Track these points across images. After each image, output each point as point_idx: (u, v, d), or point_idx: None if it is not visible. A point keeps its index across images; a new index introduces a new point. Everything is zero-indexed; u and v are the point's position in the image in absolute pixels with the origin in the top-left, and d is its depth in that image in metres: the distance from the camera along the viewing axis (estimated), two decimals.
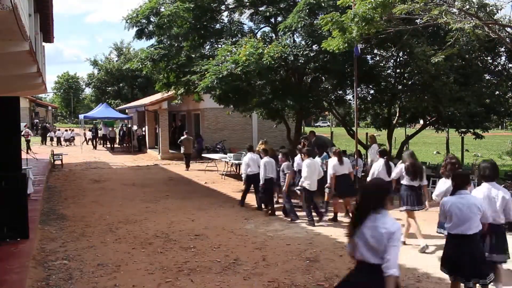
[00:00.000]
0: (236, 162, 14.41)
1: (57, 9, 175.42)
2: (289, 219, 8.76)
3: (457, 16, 8.01)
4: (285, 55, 11.12)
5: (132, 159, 22.10)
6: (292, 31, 11.70)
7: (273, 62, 10.61)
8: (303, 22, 10.98)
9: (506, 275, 5.70)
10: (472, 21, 7.80)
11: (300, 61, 11.47)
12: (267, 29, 14.52)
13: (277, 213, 9.36)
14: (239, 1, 14.28)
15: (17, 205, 6.62)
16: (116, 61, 53.35)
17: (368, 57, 13.16)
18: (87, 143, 30.30)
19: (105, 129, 30.21)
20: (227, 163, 15.54)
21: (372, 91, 14.42)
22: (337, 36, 8.72)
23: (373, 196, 3.25)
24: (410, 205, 7.08)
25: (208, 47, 14.36)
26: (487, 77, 13.07)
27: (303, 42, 12.01)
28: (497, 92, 12.68)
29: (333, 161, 8.77)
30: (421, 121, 16.74)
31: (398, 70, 13.52)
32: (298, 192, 8.87)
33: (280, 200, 9.93)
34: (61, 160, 18.30)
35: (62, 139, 31.39)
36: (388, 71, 13.71)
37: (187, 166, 17.70)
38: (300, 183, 8.66)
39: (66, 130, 33.04)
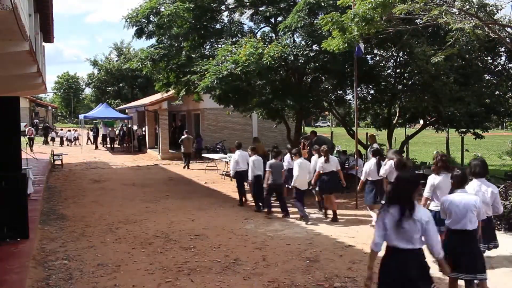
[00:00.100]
0: None
1: (57, 9, 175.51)
2: (283, 216, 9.02)
3: (457, 16, 8.00)
4: (285, 55, 11.12)
5: (132, 159, 22.11)
6: (292, 31, 11.70)
7: (273, 62, 10.61)
8: (302, 22, 10.98)
9: (505, 274, 5.72)
10: (472, 21, 7.80)
11: (300, 61, 11.47)
12: (267, 29, 14.54)
13: (275, 213, 9.38)
14: (239, 1, 14.28)
15: (17, 205, 6.62)
16: (116, 61, 53.36)
17: (368, 57, 13.15)
18: (92, 143, 30.34)
19: (105, 129, 30.23)
20: (227, 163, 15.52)
21: (372, 91, 14.42)
22: (337, 36, 8.72)
23: (406, 188, 3.52)
24: None
25: (208, 47, 14.36)
26: (487, 77, 13.05)
27: (303, 42, 12.01)
28: (497, 92, 12.67)
29: (321, 159, 9.05)
30: (421, 121, 16.74)
31: (398, 70, 13.51)
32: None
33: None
34: (61, 160, 18.31)
35: (65, 139, 31.44)
36: (388, 71, 13.71)
37: (187, 165, 17.77)
38: (293, 182, 8.93)
39: (69, 130, 33.09)
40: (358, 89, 11.65)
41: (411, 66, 12.20)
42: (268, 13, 13.38)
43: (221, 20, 14.63)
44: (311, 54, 11.76)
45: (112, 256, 6.48)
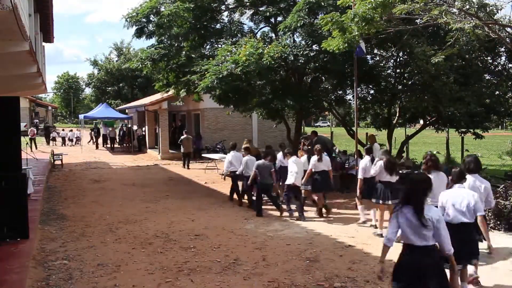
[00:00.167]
0: None
1: (57, 9, 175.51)
2: (289, 217, 9.01)
3: (457, 16, 8.00)
4: (285, 55, 11.12)
5: (132, 159, 22.11)
6: (292, 31, 11.70)
7: (273, 62, 10.61)
8: (302, 21, 10.98)
9: (506, 274, 5.71)
10: (472, 21, 7.80)
11: (300, 61, 11.47)
12: (267, 29, 14.54)
13: (275, 213, 9.39)
14: (239, 1, 14.27)
15: (17, 205, 6.62)
16: (116, 61, 53.34)
17: (368, 57, 13.14)
18: (93, 143, 30.35)
19: (105, 129, 30.22)
20: None
21: (372, 91, 14.41)
22: (337, 36, 8.71)
23: (421, 188, 3.71)
24: (383, 199, 7.65)
25: (208, 47, 14.36)
26: (487, 77, 13.03)
27: (303, 42, 12.01)
28: (497, 92, 12.65)
29: (314, 157, 9.17)
30: (421, 121, 16.73)
31: (398, 70, 13.50)
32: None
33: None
34: (61, 160, 18.31)
35: (67, 138, 31.46)
36: (388, 71, 13.70)
37: (187, 165, 17.80)
38: (290, 180, 9.07)
39: (71, 130, 33.09)
40: (358, 89, 11.64)
41: (411, 66, 12.20)
42: (268, 13, 13.38)
43: (221, 20, 14.63)
44: (311, 54, 11.76)
45: (112, 256, 6.48)
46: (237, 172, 10.27)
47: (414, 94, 12.58)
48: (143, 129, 27.28)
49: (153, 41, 14.18)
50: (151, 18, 13.05)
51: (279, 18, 13.50)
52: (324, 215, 9.14)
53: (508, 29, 9.50)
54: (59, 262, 6.14)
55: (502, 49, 12.26)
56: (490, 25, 8.31)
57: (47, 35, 10.18)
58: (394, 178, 7.65)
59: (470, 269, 5.24)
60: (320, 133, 13.97)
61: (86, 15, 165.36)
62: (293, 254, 6.57)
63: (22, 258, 5.86)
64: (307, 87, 13.62)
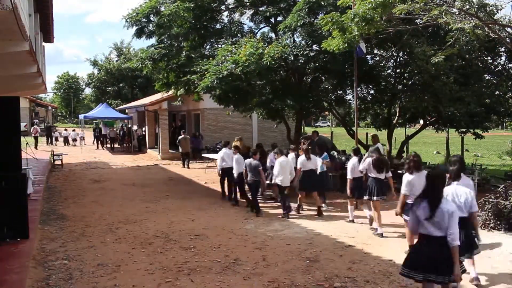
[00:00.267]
0: None
1: (57, 9, 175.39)
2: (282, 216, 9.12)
3: (457, 16, 8.00)
4: (285, 55, 11.12)
5: (132, 159, 22.11)
6: (292, 31, 11.70)
7: (273, 62, 10.61)
8: (302, 21, 10.98)
9: (506, 274, 5.71)
10: (472, 21, 7.80)
11: (300, 61, 11.47)
12: (267, 29, 14.54)
13: (275, 211, 9.38)
14: (239, 1, 14.28)
15: (17, 205, 6.62)
16: (116, 61, 53.33)
17: (368, 57, 13.15)
18: (99, 143, 30.35)
19: (105, 129, 30.20)
20: None
21: (372, 91, 14.42)
22: (337, 36, 8.72)
23: (437, 184, 4.06)
24: (374, 195, 7.79)
25: (208, 47, 14.36)
26: (487, 77, 13.04)
27: (303, 42, 12.01)
28: (497, 92, 12.66)
29: (302, 156, 9.34)
30: (421, 121, 16.73)
31: (398, 70, 13.51)
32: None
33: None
34: (61, 160, 18.31)
35: (70, 138, 31.47)
36: (388, 71, 13.71)
37: (187, 165, 17.84)
38: (273, 179, 9.38)
39: (73, 130, 33.12)
40: (358, 89, 11.65)
41: (411, 66, 12.20)
42: (268, 13, 13.39)
43: (221, 20, 14.64)
44: (311, 54, 11.77)
45: (112, 256, 6.48)
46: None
47: (414, 94, 12.59)
48: (143, 129, 27.28)
49: (153, 41, 14.21)
50: (151, 18, 13.06)
51: (279, 18, 13.51)
52: (317, 215, 9.26)
53: (508, 29, 9.50)
54: (59, 262, 6.14)
55: (502, 49, 12.27)
56: (490, 25, 8.31)
57: (47, 35, 10.18)
58: (382, 176, 7.85)
59: (469, 269, 5.25)
60: (320, 133, 13.98)
61: (86, 15, 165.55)
62: (293, 254, 6.57)
63: (22, 258, 5.86)
64: (307, 87, 13.62)
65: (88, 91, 65.36)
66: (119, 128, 31.74)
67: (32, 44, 4.92)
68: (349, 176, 8.50)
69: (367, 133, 17.79)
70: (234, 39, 13.29)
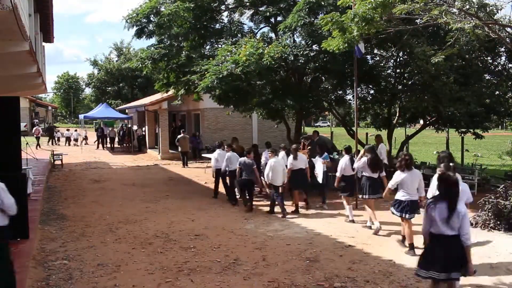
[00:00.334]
0: None
1: (57, 9, 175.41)
2: (282, 216, 9.15)
3: (457, 16, 8.00)
4: (285, 55, 11.12)
5: (132, 159, 22.10)
6: (292, 31, 11.70)
7: (273, 62, 10.61)
8: (302, 21, 10.98)
9: (506, 274, 5.72)
10: (472, 21, 7.79)
11: (300, 61, 11.46)
12: (267, 29, 14.54)
13: (275, 211, 9.39)
14: (239, 1, 14.28)
15: (17, 205, 6.61)
16: (116, 61, 53.34)
17: (368, 57, 13.15)
18: (98, 143, 30.33)
19: (105, 129, 30.20)
20: None
21: (372, 91, 14.42)
22: (337, 36, 8.71)
23: (454, 187, 4.21)
24: (368, 194, 7.95)
25: (208, 47, 14.35)
26: (487, 77, 13.04)
27: (303, 42, 12.01)
28: (497, 92, 12.66)
29: (290, 157, 9.58)
30: (421, 121, 16.74)
31: (398, 70, 13.51)
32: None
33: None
34: (61, 160, 18.30)
35: (72, 138, 31.47)
36: (388, 71, 13.71)
37: (186, 164, 17.89)
38: (265, 179, 9.55)
39: (76, 130, 33.10)
40: (358, 89, 11.64)
41: (411, 66, 12.20)
42: (268, 13, 13.38)
43: (221, 20, 14.63)
44: (311, 54, 11.76)
45: (112, 256, 6.48)
46: (222, 170, 10.67)
47: (414, 94, 12.58)
48: (143, 129, 27.28)
49: (153, 41, 14.22)
50: (151, 18, 13.05)
51: (279, 18, 13.51)
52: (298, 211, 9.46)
53: (508, 29, 9.49)
54: (59, 262, 6.14)
55: (502, 49, 12.27)
56: (490, 25, 8.31)
57: (47, 35, 10.19)
58: (376, 175, 7.96)
59: None
60: (320, 133, 13.97)
61: (86, 15, 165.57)
62: (293, 254, 6.57)
63: (22, 258, 5.85)
64: (307, 87, 13.62)
65: (88, 91, 65.44)
66: (119, 128, 31.75)
67: (32, 44, 4.92)
68: (337, 174, 8.68)
69: (367, 133, 17.80)
70: (234, 39, 13.29)
